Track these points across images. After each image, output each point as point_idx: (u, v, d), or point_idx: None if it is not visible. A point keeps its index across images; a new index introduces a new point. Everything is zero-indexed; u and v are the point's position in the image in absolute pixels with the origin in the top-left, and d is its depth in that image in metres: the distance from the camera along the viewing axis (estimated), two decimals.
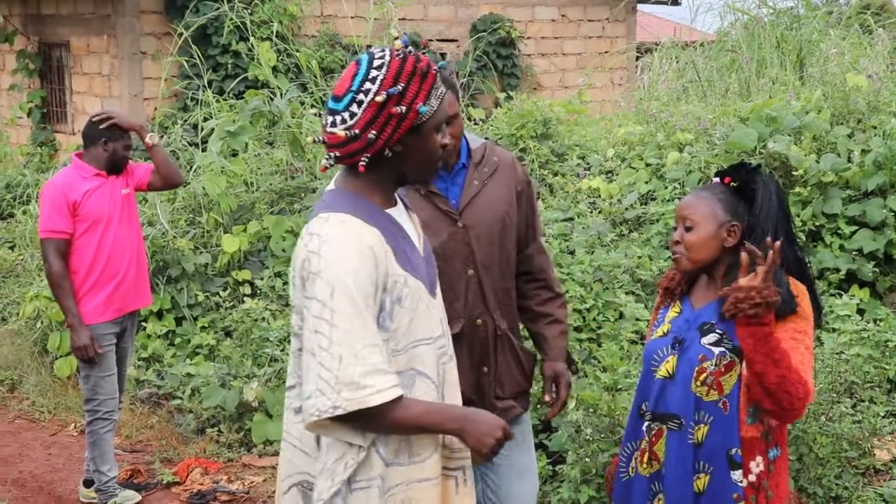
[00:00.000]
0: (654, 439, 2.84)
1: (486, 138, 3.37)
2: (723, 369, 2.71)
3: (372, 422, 2.27)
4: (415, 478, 2.38)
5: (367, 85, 2.33)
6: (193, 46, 9.79)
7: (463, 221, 3.18)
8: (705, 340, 2.76)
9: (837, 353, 4.83)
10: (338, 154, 2.36)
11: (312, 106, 8.72)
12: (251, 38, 9.82)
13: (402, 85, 2.32)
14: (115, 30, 10.74)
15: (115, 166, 4.85)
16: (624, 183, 7.11)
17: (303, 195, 7.65)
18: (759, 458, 2.72)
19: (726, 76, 10.09)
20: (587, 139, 8.33)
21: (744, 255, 2.55)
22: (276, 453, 5.49)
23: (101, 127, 4.82)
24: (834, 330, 5.10)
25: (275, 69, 9.97)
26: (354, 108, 2.32)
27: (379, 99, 2.31)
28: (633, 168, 7.31)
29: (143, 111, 10.73)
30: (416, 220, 2.58)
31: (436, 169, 2.49)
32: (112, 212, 4.81)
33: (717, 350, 2.73)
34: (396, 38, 2.43)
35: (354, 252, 2.28)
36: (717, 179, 2.87)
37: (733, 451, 2.71)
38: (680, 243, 2.82)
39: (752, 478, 2.72)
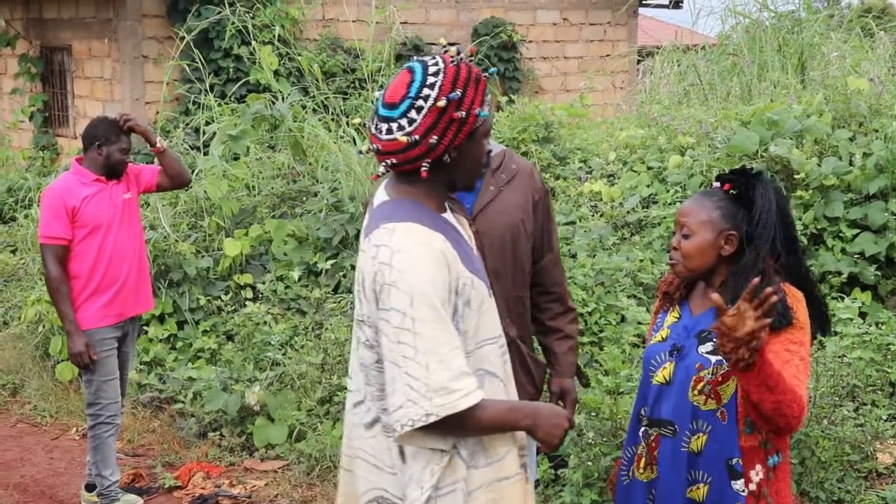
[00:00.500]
0: (653, 444, 2.83)
1: (507, 146, 3.37)
2: (720, 378, 2.69)
3: (458, 425, 2.30)
4: (495, 477, 2.42)
5: (426, 91, 2.35)
6: (195, 50, 9.79)
7: (476, 227, 3.16)
8: (703, 349, 2.74)
9: (839, 357, 4.83)
10: (394, 161, 2.37)
11: (314, 110, 8.72)
12: (253, 42, 9.82)
13: (461, 90, 2.35)
14: (117, 34, 10.75)
15: (112, 171, 4.83)
16: (625, 186, 7.11)
17: (304, 199, 7.66)
18: (758, 467, 2.71)
19: (728, 80, 10.08)
20: (589, 143, 8.33)
21: (715, 297, 2.41)
22: (279, 457, 5.51)
23: (121, 126, 4.83)
24: (836, 333, 5.09)
25: (276, 73, 9.99)
26: (413, 114, 2.34)
27: (440, 104, 2.33)
28: (635, 171, 7.31)
29: (145, 115, 10.74)
30: (465, 223, 2.62)
31: (479, 175, 2.54)
32: (112, 217, 4.80)
33: (713, 359, 2.71)
34: (452, 45, 2.48)
35: (427, 259, 2.31)
36: (717, 184, 2.85)
37: (734, 460, 2.69)
38: (678, 249, 2.82)
39: (752, 486, 2.70)
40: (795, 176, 6.15)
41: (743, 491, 2.69)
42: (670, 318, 2.90)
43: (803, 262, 2.81)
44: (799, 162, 6.14)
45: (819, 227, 6.03)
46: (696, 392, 2.72)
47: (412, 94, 2.35)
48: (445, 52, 2.44)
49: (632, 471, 2.91)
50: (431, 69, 2.37)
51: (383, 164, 2.39)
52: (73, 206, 4.69)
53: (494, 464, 2.42)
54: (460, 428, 2.31)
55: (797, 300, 2.71)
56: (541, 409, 2.43)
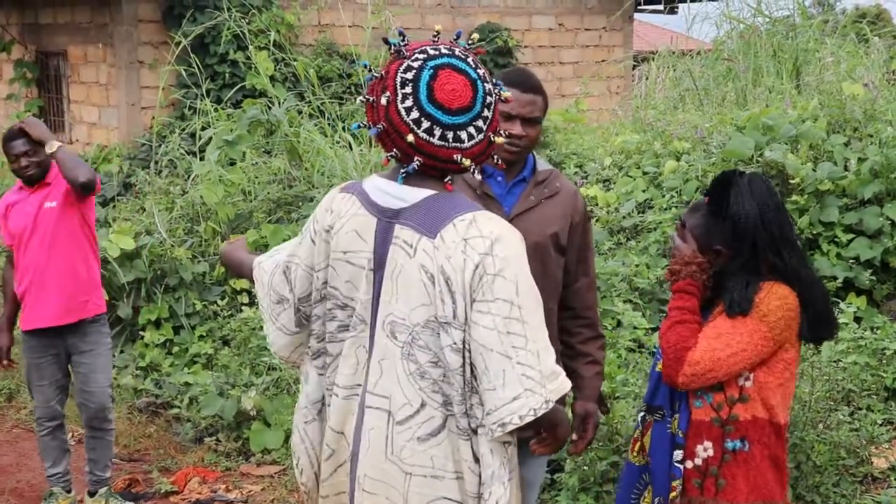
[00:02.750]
0: (645, 430, 2.89)
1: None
2: None
3: (546, 416, 2.26)
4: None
5: (488, 86, 2.33)
6: (191, 55, 9.81)
7: None
8: None
9: (835, 361, 4.84)
10: (478, 161, 2.34)
11: (310, 115, 8.74)
12: (249, 48, 9.84)
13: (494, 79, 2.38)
14: (113, 39, 10.76)
15: (23, 179, 4.80)
16: (621, 191, 7.13)
17: (300, 204, 7.66)
18: (707, 444, 2.72)
19: (723, 85, 10.12)
20: (584, 148, 8.34)
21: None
22: (275, 462, 5.51)
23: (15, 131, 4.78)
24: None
25: (272, 78, 10.00)
26: (486, 112, 2.32)
27: (504, 96, 2.36)
28: (631, 177, 7.32)
29: (141, 120, 10.74)
30: None
31: None
32: (25, 227, 4.77)
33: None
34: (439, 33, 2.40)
35: (522, 245, 2.29)
36: (704, 195, 2.88)
37: (679, 433, 2.74)
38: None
39: (698, 461, 2.72)
40: (791, 181, 6.17)
41: (680, 462, 2.72)
42: None
43: (795, 259, 2.77)
44: (794, 167, 6.16)
45: (814, 231, 6.05)
46: None
47: (481, 93, 2.29)
48: (436, 39, 2.36)
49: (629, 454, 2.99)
50: (471, 61, 2.32)
51: (413, 169, 2.29)
52: (2, 214, 4.85)
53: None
54: (547, 422, 2.30)
55: (772, 293, 2.69)
56: (560, 409, 2.43)
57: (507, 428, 2.21)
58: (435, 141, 2.26)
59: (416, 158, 2.28)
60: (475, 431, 2.29)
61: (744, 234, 2.71)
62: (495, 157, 2.43)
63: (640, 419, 2.94)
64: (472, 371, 2.26)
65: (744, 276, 2.71)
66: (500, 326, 2.21)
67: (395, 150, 2.30)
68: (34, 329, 4.86)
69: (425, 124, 2.25)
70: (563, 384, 2.27)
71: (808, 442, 4.29)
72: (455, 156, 2.27)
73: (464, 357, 2.25)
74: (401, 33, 2.38)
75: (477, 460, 2.29)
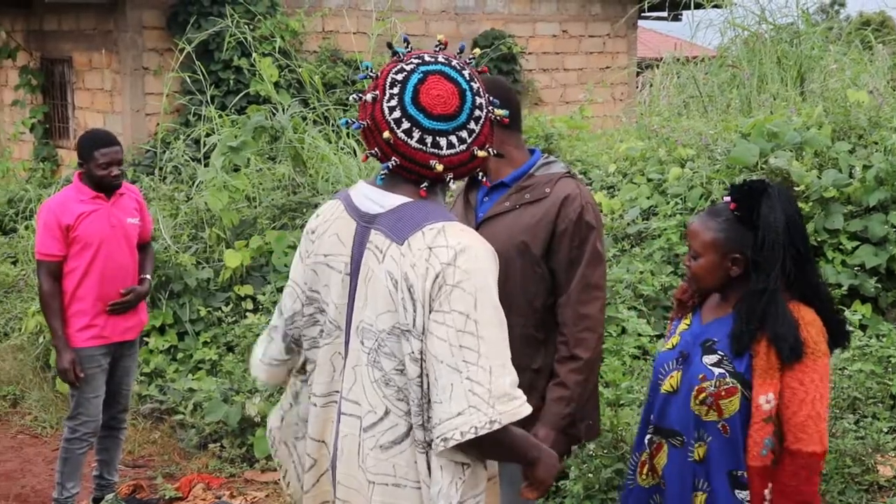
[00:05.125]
0: (654, 452, 2.85)
1: (569, 172, 3.19)
2: (723, 393, 2.69)
3: (495, 440, 2.17)
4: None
5: (479, 100, 2.30)
6: (196, 62, 9.82)
7: None
8: (707, 360, 2.75)
9: (840, 369, 4.83)
10: (457, 171, 2.31)
11: (315, 121, 8.74)
12: (253, 54, 9.85)
13: (490, 96, 2.35)
14: (118, 45, 10.78)
15: (107, 187, 4.69)
16: (626, 198, 7.12)
17: (305, 210, 7.66)
18: (771, 486, 2.71)
19: (727, 92, 10.11)
20: (589, 154, 8.34)
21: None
22: (279, 468, 5.50)
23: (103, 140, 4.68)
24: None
25: (277, 85, 10.01)
26: (472, 125, 2.29)
27: (497, 113, 2.34)
28: (635, 183, 7.31)
29: (146, 126, 10.76)
30: None
31: None
32: (104, 238, 4.68)
33: (717, 371, 2.71)
34: (445, 45, 2.37)
35: (490, 259, 2.23)
36: (727, 198, 2.81)
37: (738, 472, 2.69)
38: (689, 268, 2.84)
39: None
40: (795, 188, 6.16)
41: (748, 500, 2.69)
42: (682, 325, 2.92)
43: (814, 275, 2.77)
44: (799, 174, 6.15)
45: (819, 239, 6.04)
46: (697, 402, 2.73)
47: (468, 104, 2.28)
48: (438, 49, 2.35)
49: (636, 477, 2.92)
50: (466, 74, 2.30)
51: (388, 168, 2.28)
52: (67, 223, 4.61)
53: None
54: (491, 444, 2.19)
55: (807, 323, 2.69)
56: (544, 446, 2.40)
57: (449, 443, 2.15)
58: (412, 143, 2.25)
59: (392, 158, 2.27)
60: (430, 445, 2.23)
61: (773, 246, 2.67)
62: (479, 173, 2.37)
63: (646, 441, 2.88)
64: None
65: (758, 298, 2.68)
66: (453, 339, 2.15)
67: (375, 148, 2.31)
68: (115, 342, 4.80)
69: (405, 125, 2.25)
70: (518, 410, 2.16)
71: None
72: (431, 161, 2.26)
73: (421, 367, 2.21)
74: (406, 40, 2.39)
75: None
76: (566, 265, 3.06)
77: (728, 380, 2.69)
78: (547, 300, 3.10)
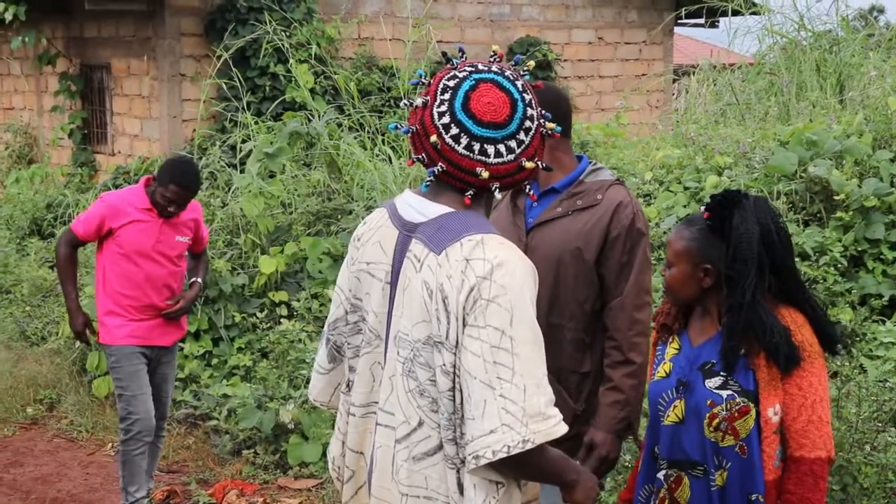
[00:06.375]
0: (673, 486, 2.76)
1: (618, 180, 3.20)
2: (736, 414, 2.64)
3: (529, 460, 2.14)
4: None
5: (530, 111, 2.28)
6: (232, 69, 9.88)
7: (527, 242, 3.09)
8: (710, 384, 2.68)
9: (881, 381, 4.74)
10: (503, 182, 2.27)
11: (350, 128, 8.76)
12: (290, 61, 9.89)
13: (543, 110, 2.32)
14: (156, 52, 10.86)
15: (158, 209, 4.81)
16: (662, 206, 7.06)
17: (339, 217, 7.68)
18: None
19: (765, 99, 10.01)
20: (625, 162, 8.29)
21: None
22: (312, 476, 5.50)
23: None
24: (877, 357, 5.01)
25: (312, 91, 10.05)
26: (522, 135, 2.26)
27: (549, 126, 2.30)
28: (672, 192, 7.26)
29: (182, 132, 10.83)
30: None
31: None
32: (151, 248, 4.82)
33: (724, 394, 2.65)
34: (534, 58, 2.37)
35: (528, 274, 2.19)
36: (703, 209, 2.76)
37: (754, 496, 2.64)
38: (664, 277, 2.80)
39: None
40: (835, 197, 6.08)
41: None
42: (670, 349, 2.84)
43: (799, 290, 2.72)
44: (839, 183, 6.07)
45: (859, 248, 5.96)
46: (711, 429, 2.67)
47: (519, 114, 2.25)
48: (493, 59, 2.34)
49: None
50: (519, 84, 2.28)
51: (434, 173, 2.25)
52: (111, 226, 4.76)
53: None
54: (525, 464, 2.15)
55: (799, 325, 2.64)
56: (583, 469, 2.35)
57: (481, 461, 2.11)
58: (459, 149, 2.22)
59: (438, 163, 2.25)
60: (463, 462, 2.18)
61: (745, 258, 2.62)
62: (527, 185, 2.34)
63: (662, 477, 2.79)
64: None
65: (738, 312, 2.62)
66: (487, 355, 2.11)
67: (422, 153, 2.28)
68: (153, 345, 4.90)
69: (453, 130, 2.22)
70: (552, 429, 2.12)
71: (854, 464, 4.20)
72: (477, 168, 2.23)
73: (454, 381, 2.17)
74: (461, 50, 2.41)
75: (462, 492, 2.21)
76: (616, 271, 3.09)
77: (738, 399, 2.63)
78: (595, 304, 3.12)
